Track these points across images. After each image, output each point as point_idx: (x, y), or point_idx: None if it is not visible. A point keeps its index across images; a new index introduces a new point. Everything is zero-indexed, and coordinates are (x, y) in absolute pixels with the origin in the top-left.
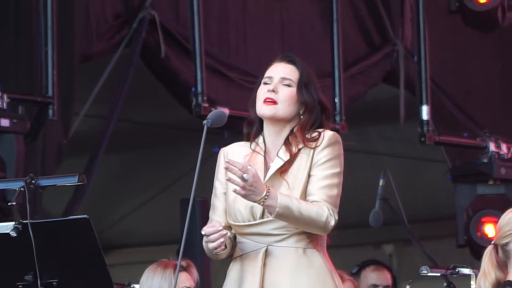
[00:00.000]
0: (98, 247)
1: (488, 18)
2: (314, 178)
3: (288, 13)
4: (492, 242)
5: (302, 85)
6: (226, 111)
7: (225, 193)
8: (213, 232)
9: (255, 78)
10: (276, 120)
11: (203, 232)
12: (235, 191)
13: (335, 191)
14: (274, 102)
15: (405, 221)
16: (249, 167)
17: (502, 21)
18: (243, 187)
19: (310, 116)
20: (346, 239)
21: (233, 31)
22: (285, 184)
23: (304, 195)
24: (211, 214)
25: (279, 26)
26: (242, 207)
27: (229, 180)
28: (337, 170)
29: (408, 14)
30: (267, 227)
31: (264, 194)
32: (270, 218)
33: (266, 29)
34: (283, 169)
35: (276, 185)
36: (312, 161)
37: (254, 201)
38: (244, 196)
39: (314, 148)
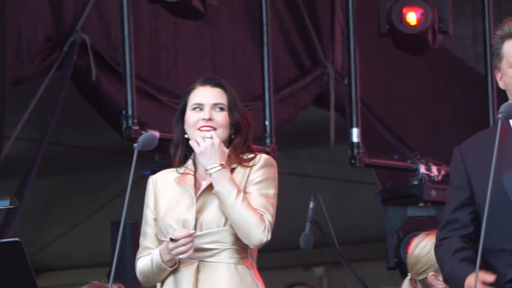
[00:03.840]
0: (29, 270)
1: (419, 41)
2: (252, 196)
3: (219, 36)
4: (409, 277)
5: (232, 107)
6: (157, 134)
7: (155, 219)
8: (185, 236)
9: None
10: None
11: (172, 237)
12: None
13: (271, 211)
14: (212, 128)
15: (335, 244)
16: (207, 135)
17: (433, 43)
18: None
19: (242, 136)
20: (277, 261)
21: (164, 54)
22: (217, 200)
23: None
24: (142, 240)
25: (210, 50)
26: (174, 222)
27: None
28: (272, 191)
29: (339, 37)
30: (200, 241)
31: (218, 164)
32: (203, 232)
33: (197, 53)
34: (209, 189)
35: (208, 202)
36: (248, 179)
37: (206, 167)
38: (200, 154)
39: (251, 167)
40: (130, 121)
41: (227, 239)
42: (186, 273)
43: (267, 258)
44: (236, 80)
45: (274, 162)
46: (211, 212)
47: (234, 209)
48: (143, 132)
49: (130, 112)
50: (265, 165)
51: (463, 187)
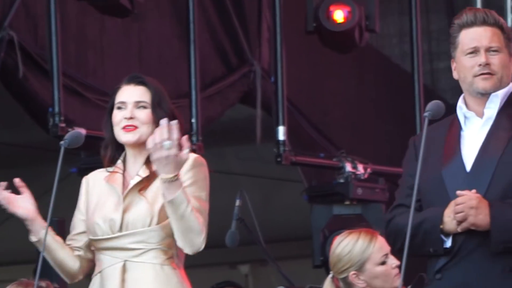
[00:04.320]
0: None
1: (346, 38)
2: None
3: (146, 34)
4: (331, 275)
5: (156, 105)
6: (83, 131)
7: (83, 220)
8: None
9: None
10: (141, 143)
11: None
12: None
13: (205, 214)
14: (134, 127)
15: (261, 241)
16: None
17: (359, 41)
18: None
19: None
20: (203, 259)
21: (91, 52)
22: (144, 200)
23: (164, 212)
24: (71, 231)
25: (137, 47)
26: (101, 221)
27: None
28: (204, 193)
29: (265, 35)
30: (125, 240)
31: (172, 175)
32: (128, 232)
33: (124, 50)
34: (143, 186)
35: (135, 201)
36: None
37: (163, 177)
38: (154, 160)
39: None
40: (56, 119)
41: (153, 239)
42: (112, 273)
43: (193, 255)
44: (163, 78)
45: (204, 161)
46: (137, 212)
47: (182, 220)
48: (69, 129)
49: (56, 109)
50: (195, 166)
51: (413, 175)
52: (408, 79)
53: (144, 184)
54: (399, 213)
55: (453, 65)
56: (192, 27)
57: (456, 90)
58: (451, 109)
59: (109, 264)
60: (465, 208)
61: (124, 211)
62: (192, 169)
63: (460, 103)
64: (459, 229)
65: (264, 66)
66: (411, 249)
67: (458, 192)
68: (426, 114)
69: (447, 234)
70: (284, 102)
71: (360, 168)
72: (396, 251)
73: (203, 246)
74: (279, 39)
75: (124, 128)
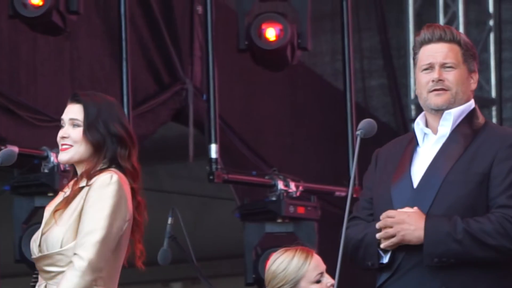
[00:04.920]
0: None
1: (278, 56)
2: (82, 219)
3: (78, 52)
4: None
5: (87, 125)
6: (16, 149)
7: None
8: None
9: (45, 116)
10: (76, 162)
11: None
12: None
13: (97, 236)
14: (69, 146)
15: (193, 259)
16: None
17: (291, 59)
18: None
19: (97, 155)
20: (135, 277)
21: (23, 69)
22: (54, 221)
23: (71, 234)
24: None
25: (69, 65)
26: (32, 241)
27: None
28: (104, 213)
29: (198, 53)
30: (41, 263)
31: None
32: (42, 254)
33: (56, 68)
34: (58, 208)
35: (51, 223)
36: (85, 201)
37: None
38: None
39: (89, 187)
40: None
41: (61, 262)
42: None
43: (124, 273)
44: None
45: (115, 180)
46: (50, 234)
47: None
48: (2, 147)
49: None
50: (101, 186)
51: (370, 188)
52: (341, 97)
53: (60, 205)
54: (353, 225)
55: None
56: (125, 45)
57: (388, 107)
58: (383, 127)
59: (38, 285)
60: (393, 223)
61: (43, 233)
62: (99, 188)
63: (418, 120)
64: (383, 245)
65: (197, 84)
66: (355, 262)
67: (399, 210)
68: (358, 132)
69: (386, 250)
70: (216, 120)
71: (292, 186)
72: (348, 262)
73: (83, 273)
74: (211, 57)
75: (61, 147)
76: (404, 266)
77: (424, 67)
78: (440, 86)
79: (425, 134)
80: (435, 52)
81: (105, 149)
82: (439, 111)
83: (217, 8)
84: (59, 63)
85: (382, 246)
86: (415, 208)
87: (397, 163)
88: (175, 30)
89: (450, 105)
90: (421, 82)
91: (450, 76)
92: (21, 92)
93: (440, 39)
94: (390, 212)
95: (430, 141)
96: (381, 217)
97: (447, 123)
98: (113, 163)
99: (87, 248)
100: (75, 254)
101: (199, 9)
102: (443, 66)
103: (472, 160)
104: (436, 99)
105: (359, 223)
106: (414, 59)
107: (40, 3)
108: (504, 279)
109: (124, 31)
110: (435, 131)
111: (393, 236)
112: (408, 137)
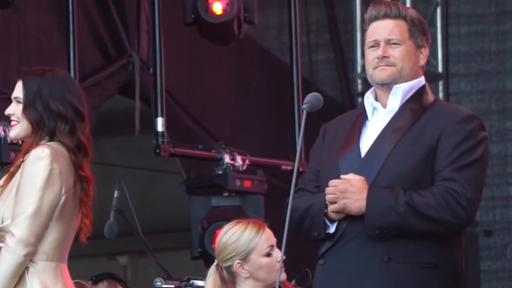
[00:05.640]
0: None
1: (224, 30)
2: (16, 197)
3: (25, 25)
4: (215, 263)
5: (25, 103)
6: None
7: None
8: None
9: None
10: (23, 138)
11: None
12: None
13: (28, 211)
14: (16, 122)
15: (139, 233)
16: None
17: (238, 33)
18: None
19: (36, 135)
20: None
21: None
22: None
23: (10, 210)
24: None
25: (16, 38)
26: None
27: None
28: (35, 188)
29: (144, 26)
30: None
31: None
32: None
33: (3, 41)
34: (1, 185)
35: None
36: (21, 177)
37: None
38: None
39: (23, 162)
40: None
41: (3, 238)
42: None
43: (71, 247)
44: None
45: (46, 154)
46: None
47: None
48: None
49: None
50: (30, 161)
51: (317, 161)
52: (287, 71)
53: (6, 181)
54: (298, 196)
55: None
56: (71, 18)
57: (334, 82)
58: (329, 101)
59: None
60: (336, 191)
61: None
62: (29, 164)
63: (368, 94)
64: (329, 211)
65: (143, 58)
66: (300, 233)
67: (342, 176)
68: (304, 106)
69: (332, 220)
70: (163, 94)
71: (239, 160)
72: (293, 234)
73: (21, 255)
74: (158, 31)
75: (11, 124)
76: (347, 235)
77: (370, 44)
78: (384, 63)
79: (374, 108)
80: (380, 29)
81: (42, 126)
82: (385, 86)
83: None
84: (6, 37)
85: (329, 210)
86: (360, 177)
87: (346, 136)
88: (121, 3)
89: (395, 80)
90: (368, 59)
91: (395, 53)
92: None
93: (386, 16)
94: (333, 182)
95: (379, 115)
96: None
97: (396, 98)
98: (52, 139)
99: (17, 223)
100: (8, 231)
101: None
102: (388, 42)
103: (419, 134)
104: (380, 74)
105: (305, 194)
106: (364, 36)
107: None
108: (449, 249)
109: (71, 5)
110: (384, 105)
111: (333, 203)
112: (357, 112)
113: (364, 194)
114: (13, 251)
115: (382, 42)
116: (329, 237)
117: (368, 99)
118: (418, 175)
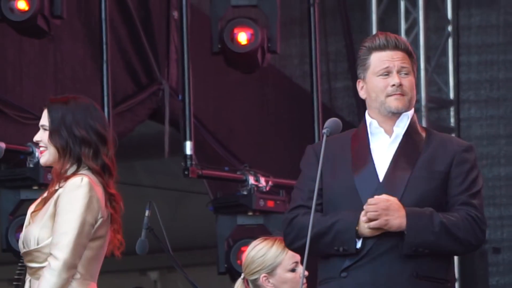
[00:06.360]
0: None
1: (249, 59)
2: (55, 225)
3: (61, 54)
4: (242, 277)
5: (50, 130)
6: (3, 145)
7: None
8: None
9: (30, 114)
10: (51, 164)
11: None
12: None
13: (70, 236)
14: (44, 148)
15: (169, 249)
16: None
17: (261, 62)
18: None
19: (64, 160)
20: (114, 266)
21: (10, 70)
22: (31, 221)
23: (45, 232)
24: None
25: (53, 67)
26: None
27: None
28: (76, 214)
29: (174, 56)
30: (25, 259)
31: None
32: (24, 250)
33: (40, 69)
34: (36, 209)
35: (38, 218)
36: (57, 202)
37: None
38: None
39: (62, 189)
40: None
41: (40, 259)
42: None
43: (104, 262)
44: None
45: (84, 183)
46: (29, 232)
47: None
48: None
49: None
50: (69, 191)
51: (313, 179)
52: (308, 97)
53: (38, 206)
54: (302, 213)
55: (360, 85)
56: (105, 48)
57: (351, 108)
58: (347, 126)
59: (26, 278)
60: (378, 209)
61: (24, 231)
62: (67, 193)
63: (371, 119)
64: (368, 227)
65: (173, 85)
66: (316, 248)
67: (377, 196)
68: (324, 131)
69: (358, 237)
70: (191, 119)
71: (262, 181)
72: (294, 249)
73: (58, 276)
74: (186, 60)
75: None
76: (374, 252)
77: (382, 71)
78: (400, 91)
79: (371, 133)
80: (391, 58)
81: (68, 151)
82: (395, 114)
83: (192, 13)
84: (44, 65)
85: (368, 226)
86: (394, 198)
87: (351, 157)
88: (152, 34)
89: (406, 109)
90: (378, 86)
91: (406, 82)
92: (7, 92)
93: (396, 47)
94: (373, 200)
95: (381, 140)
96: (365, 205)
97: (402, 125)
98: (80, 163)
99: (61, 248)
100: (50, 254)
101: (175, 14)
102: (399, 71)
103: (431, 160)
104: (396, 103)
105: (307, 211)
106: (363, 64)
107: (26, 8)
108: (452, 265)
109: (104, 35)
110: (388, 132)
111: (374, 219)
112: (347, 135)
113: (403, 212)
114: (59, 274)
115: (395, 71)
116: (352, 253)
117: (372, 125)
118: (437, 198)
